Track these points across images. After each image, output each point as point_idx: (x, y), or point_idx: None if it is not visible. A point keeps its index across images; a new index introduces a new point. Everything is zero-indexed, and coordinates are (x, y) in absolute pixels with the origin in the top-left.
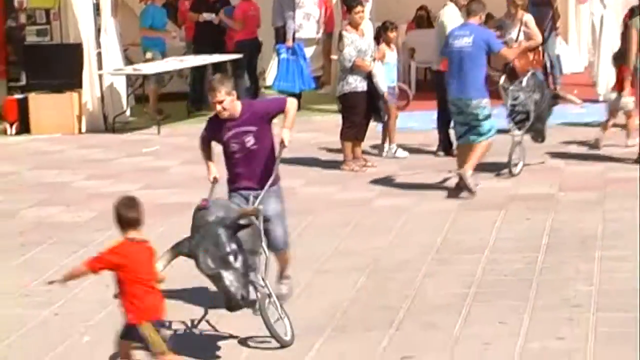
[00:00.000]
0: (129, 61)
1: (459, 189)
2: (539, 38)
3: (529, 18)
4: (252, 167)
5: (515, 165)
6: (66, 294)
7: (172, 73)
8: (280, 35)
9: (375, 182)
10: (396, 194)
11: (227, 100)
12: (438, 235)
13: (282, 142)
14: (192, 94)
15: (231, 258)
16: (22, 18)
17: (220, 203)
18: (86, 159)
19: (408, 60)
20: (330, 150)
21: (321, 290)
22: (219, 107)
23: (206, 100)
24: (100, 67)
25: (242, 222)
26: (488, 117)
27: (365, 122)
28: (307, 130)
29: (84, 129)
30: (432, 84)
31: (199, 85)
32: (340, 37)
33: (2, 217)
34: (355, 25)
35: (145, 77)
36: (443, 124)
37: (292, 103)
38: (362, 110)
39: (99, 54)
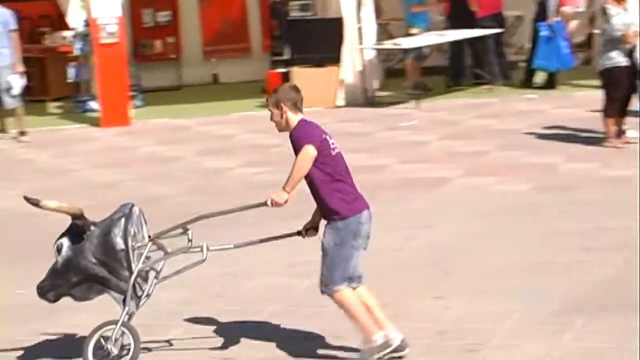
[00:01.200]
0: (389, 35)
1: None
2: None
3: None
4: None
5: None
6: None
7: (432, 47)
8: (541, 11)
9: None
10: None
11: (274, 114)
12: None
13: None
14: (451, 69)
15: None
16: None
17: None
18: (345, 132)
19: None
20: (590, 126)
21: (582, 268)
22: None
23: (466, 75)
24: (360, 42)
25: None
26: None
27: (627, 97)
28: (569, 106)
29: (343, 103)
30: None
31: (457, 60)
32: (604, 10)
33: (266, 188)
34: (618, 0)
35: (405, 51)
36: None
37: (300, 158)
38: (624, 86)
39: (359, 29)
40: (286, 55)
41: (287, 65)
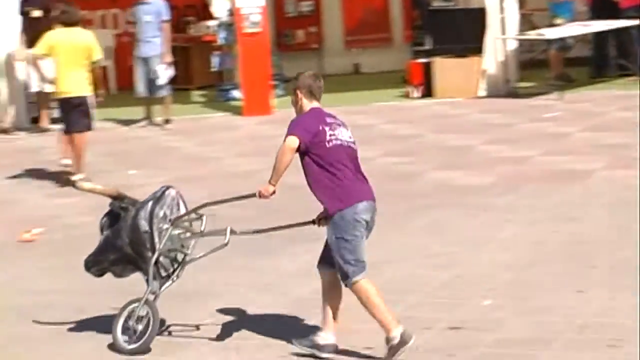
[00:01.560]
0: (532, 26)
1: None
2: None
3: None
4: None
5: None
6: (469, 256)
7: (576, 38)
8: None
9: None
10: None
11: (292, 100)
12: None
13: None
14: (595, 60)
15: None
16: None
17: None
18: (487, 123)
19: None
20: None
21: None
22: None
23: (610, 66)
24: (502, 32)
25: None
26: None
27: None
28: None
29: (484, 93)
30: None
31: (602, 51)
32: None
33: (406, 179)
34: None
35: (549, 42)
36: None
37: (279, 150)
38: None
39: (502, 19)
40: (427, 46)
41: (429, 56)
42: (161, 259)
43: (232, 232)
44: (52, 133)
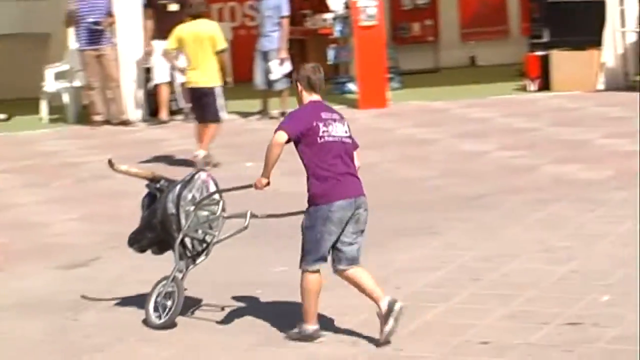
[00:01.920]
0: None
1: None
2: None
3: None
4: None
5: None
6: (586, 251)
7: None
8: None
9: None
10: None
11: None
12: None
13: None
14: None
15: None
16: None
17: None
18: (605, 117)
19: None
20: None
21: None
22: None
23: None
24: (622, 25)
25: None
26: None
27: None
28: None
29: (602, 87)
30: None
31: None
32: None
33: (522, 172)
34: None
35: None
36: None
37: (269, 144)
38: None
39: (622, 11)
40: (545, 38)
41: (546, 49)
42: (186, 239)
43: (253, 215)
44: (170, 125)
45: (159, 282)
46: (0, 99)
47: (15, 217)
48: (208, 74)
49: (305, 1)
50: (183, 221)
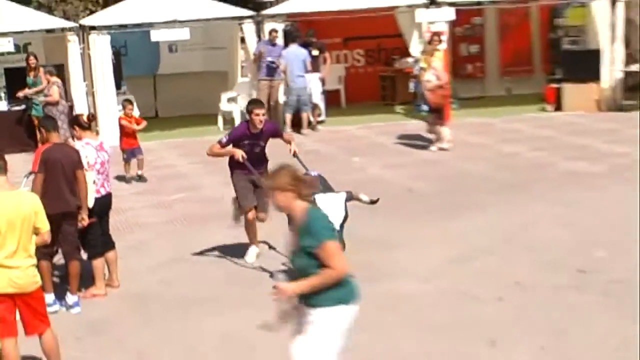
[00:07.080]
0: (635, 60)
1: None
2: None
3: None
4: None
5: None
6: (590, 220)
7: None
8: None
9: None
10: None
11: None
12: None
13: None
14: None
15: None
16: (561, 32)
17: None
18: (602, 129)
19: None
20: None
21: None
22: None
23: None
24: (612, 65)
25: None
26: None
27: None
28: None
29: (600, 109)
30: None
31: None
32: None
33: (545, 166)
34: None
35: None
36: None
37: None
38: None
39: (612, 57)
40: (559, 75)
41: (560, 82)
42: None
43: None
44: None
45: None
46: (193, 114)
47: (204, 194)
48: None
49: (396, 50)
50: None
